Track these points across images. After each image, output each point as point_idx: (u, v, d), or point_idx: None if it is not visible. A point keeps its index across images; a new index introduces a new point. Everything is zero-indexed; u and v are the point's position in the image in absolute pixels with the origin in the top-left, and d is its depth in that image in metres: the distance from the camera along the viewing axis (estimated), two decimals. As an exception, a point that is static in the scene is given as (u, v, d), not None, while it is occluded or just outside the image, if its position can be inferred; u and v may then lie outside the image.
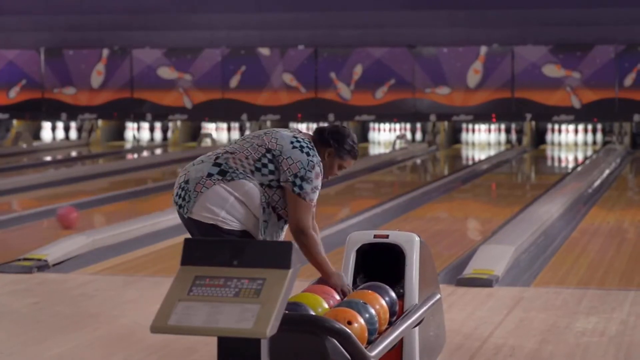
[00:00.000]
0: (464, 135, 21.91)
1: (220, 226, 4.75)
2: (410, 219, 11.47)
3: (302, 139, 4.87)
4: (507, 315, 6.72)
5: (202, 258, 3.96)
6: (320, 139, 4.93)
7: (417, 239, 5.30)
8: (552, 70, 20.66)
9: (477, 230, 11.23)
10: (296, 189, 4.76)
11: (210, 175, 4.78)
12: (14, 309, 7.02)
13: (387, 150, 20.69)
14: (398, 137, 21.42)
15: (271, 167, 4.79)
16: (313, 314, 4.50)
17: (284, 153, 4.78)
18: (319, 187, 4.85)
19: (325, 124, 21.87)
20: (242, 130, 22.35)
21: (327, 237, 9.97)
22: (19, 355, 5.88)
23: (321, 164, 4.86)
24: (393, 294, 4.97)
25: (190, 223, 4.84)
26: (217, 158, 4.83)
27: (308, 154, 4.79)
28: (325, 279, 4.90)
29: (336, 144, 4.93)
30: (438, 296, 5.44)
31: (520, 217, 10.76)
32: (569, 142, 21.32)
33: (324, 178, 4.94)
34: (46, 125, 23.37)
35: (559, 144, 21.37)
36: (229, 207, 4.76)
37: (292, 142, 4.81)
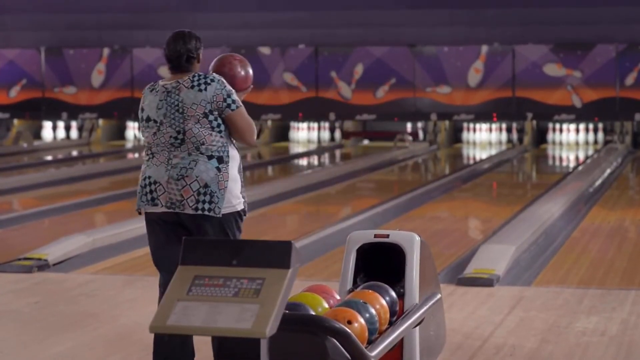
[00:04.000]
0: (464, 135, 21.90)
1: (238, 210, 5.06)
2: (411, 218, 11.46)
3: (192, 80, 5.04)
4: (508, 315, 6.71)
5: (202, 258, 3.95)
6: (189, 60, 5.10)
7: (417, 238, 5.29)
8: (553, 70, 20.65)
9: (478, 230, 11.23)
10: (232, 107, 5.03)
11: (218, 169, 4.99)
12: (14, 308, 7.02)
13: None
14: (399, 134, 21.42)
15: (219, 120, 5.05)
16: (313, 313, 4.49)
17: (209, 100, 5.01)
18: None
19: (326, 124, 21.99)
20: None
21: (327, 236, 9.98)
22: (19, 355, 5.87)
23: (215, 75, 5.09)
24: (393, 294, 4.97)
25: (217, 221, 4.99)
26: (200, 151, 5.01)
27: (212, 80, 5.03)
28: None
29: (199, 47, 5.17)
30: (438, 296, 5.43)
31: (521, 216, 10.75)
32: (570, 142, 21.31)
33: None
34: (47, 125, 23.37)
35: (560, 143, 21.36)
36: (238, 185, 5.08)
37: (199, 90, 5.00)
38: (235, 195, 5.05)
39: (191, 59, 5.11)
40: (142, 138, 5.30)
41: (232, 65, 5.25)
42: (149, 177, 5.11)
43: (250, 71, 5.31)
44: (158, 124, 5.09)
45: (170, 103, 5.06)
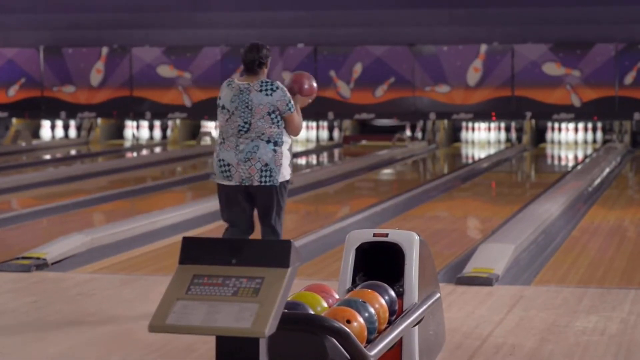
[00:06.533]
0: (463, 134, 21.90)
1: (288, 179, 6.72)
2: (410, 217, 11.45)
3: (262, 85, 6.63)
4: (507, 314, 6.70)
5: (201, 257, 3.94)
6: (260, 65, 6.69)
7: (416, 237, 5.28)
8: (552, 69, 20.64)
9: (477, 229, 11.22)
10: (291, 110, 6.69)
11: (275, 150, 6.61)
12: (13, 307, 7.01)
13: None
14: (398, 134, 21.42)
15: (279, 117, 6.65)
16: (312, 313, 4.48)
17: (274, 104, 6.61)
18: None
19: (325, 123, 22.00)
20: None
21: (326, 235, 9.97)
22: (18, 354, 5.86)
23: (279, 83, 6.68)
24: (392, 293, 4.95)
25: (275, 188, 6.64)
26: (261, 139, 6.59)
27: (277, 87, 6.67)
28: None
29: (268, 56, 6.78)
30: (438, 295, 5.42)
31: (520, 215, 10.74)
32: (569, 141, 21.31)
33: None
34: (45, 124, 23.35)
35: (559, 143, 21.35)
36: (288, 160, 6.71)
37: (266, 94, 6.61)
38: (286, 168, 6.68)
39: (262, 65, 6.69)
40: (218, 121, 6.82)
41: (301, 83, 6.89)
42: (223, 160, 6.66)
43: (314, 84, 6.96)
44: (230, 113, 6.62)
45: (242, 100, 6.61)
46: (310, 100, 6.96)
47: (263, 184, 6.61)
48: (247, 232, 6.85)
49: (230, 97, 6.67)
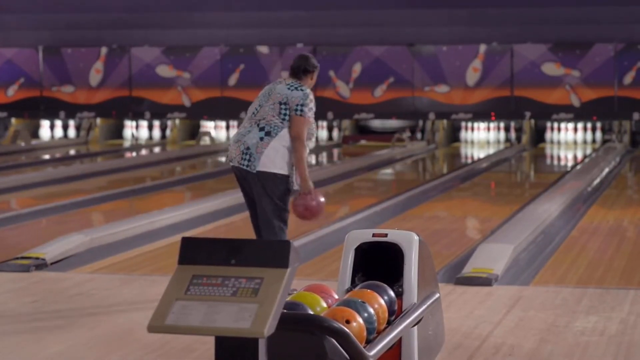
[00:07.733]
0: (463, 134, 21.89)
1: (276, 172, 6.81)
2: (409, 217, 11.45)
3: (293, 82, 6.98)
4: (506, 314, 6.70)
5: (200, 257, 3.93)
6: (304, 71, 7.01)
7: (416, 237, 5.28)
8: (551, 69, 20.64)
9: (476, 229, 11.21)
10: (298, 112, 6.87)
11: (262, 138, 6.83)
12: (12, 307, 7.00)
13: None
14: (398, 134, 21.41)
15: (287, 111, 6.86)
16: (311, 313, 4.47)
17: (289, 97, 6.90)
18: (313, 108, 6.96)
19: (324, 123, 22.01)
20: (241, 128, 22.32)
21: (325, 235, 9.97)
22: (17, 354, 5.86)
23: (309, 90, 6.97)
24: (392, 293, 4.95)
25: (255, 176, 6.82)
26: (258, 125, 6.87)
27: (302, 90, 6.94)
28: (300, 180, 6.93)
29: (315, 67, 7.07)
30: (437, 295, 5.42)
31: (520, 215, 10.74)
32: (569, 141, 21.31)
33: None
34: (45, 124, 23.35)
35: (559, 143, 21.35)
36: (280, 155, 6.82)
37: (289, 88, 6.95)
38: (272, 162, 6.80)
39: (306, 72, 7.01)
40: None
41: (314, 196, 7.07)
42: (230, 140, 7.32)
43: (322, 200, 7.12)
44: (257, 99, 7.04)
45: (269, 88, 7.03)
46: (307, 205, 7.00)
47: (241, 166, 6.86)
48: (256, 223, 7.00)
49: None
